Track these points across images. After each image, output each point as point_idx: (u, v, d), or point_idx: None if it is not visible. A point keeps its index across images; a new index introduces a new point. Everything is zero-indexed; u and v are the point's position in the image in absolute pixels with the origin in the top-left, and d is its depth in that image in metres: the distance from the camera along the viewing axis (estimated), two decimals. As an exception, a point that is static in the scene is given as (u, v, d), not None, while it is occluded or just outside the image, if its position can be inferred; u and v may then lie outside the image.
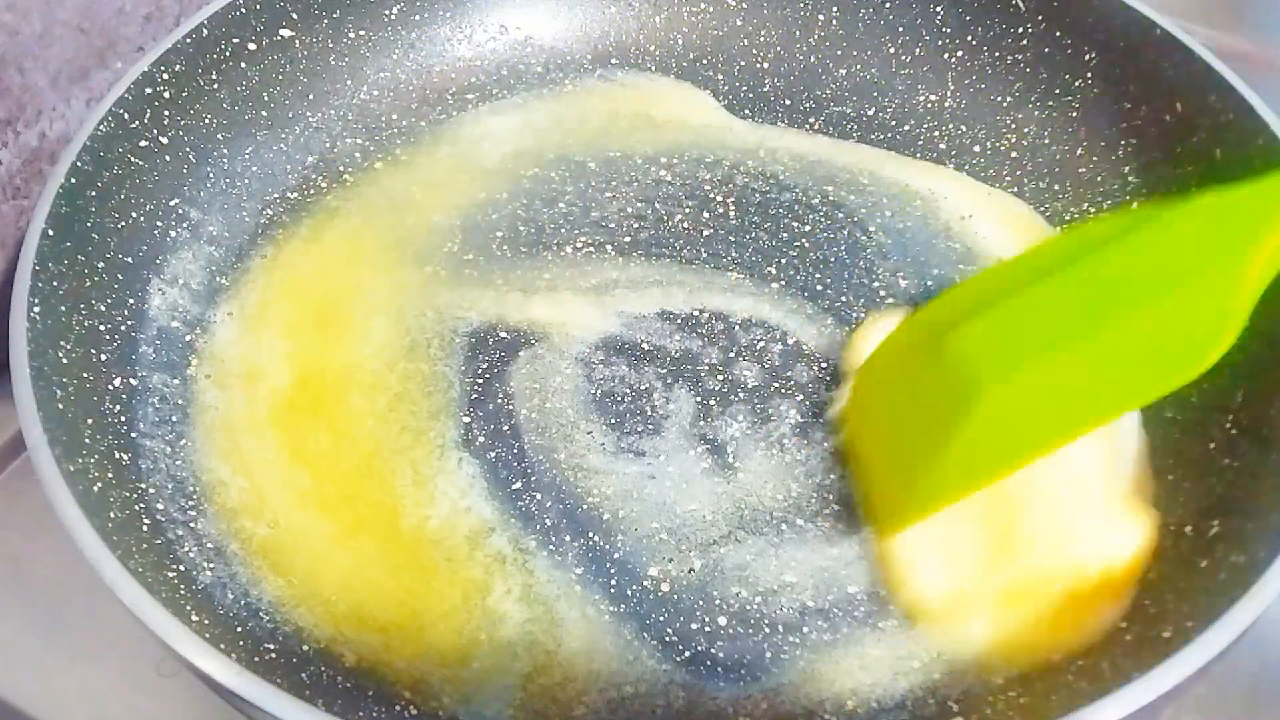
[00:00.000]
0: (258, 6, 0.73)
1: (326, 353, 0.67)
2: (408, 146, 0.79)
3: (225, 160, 0.73)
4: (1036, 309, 0.52)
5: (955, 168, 0.77)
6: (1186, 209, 0.52)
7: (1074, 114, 0.75)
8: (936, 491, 0.54)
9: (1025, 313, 0.52)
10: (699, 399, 0.65)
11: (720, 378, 0.66)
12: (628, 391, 0.65)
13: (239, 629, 0.54)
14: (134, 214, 0.66)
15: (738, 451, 0.63)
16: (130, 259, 0.65)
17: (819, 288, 0.70)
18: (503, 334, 0.68)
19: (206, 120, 0.72)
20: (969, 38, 0.79)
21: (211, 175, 0.72)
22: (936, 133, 0.79)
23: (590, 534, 0.59)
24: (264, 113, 0.76)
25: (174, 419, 0.63)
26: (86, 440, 0.55)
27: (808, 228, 0.74)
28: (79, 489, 0.50)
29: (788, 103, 0.82)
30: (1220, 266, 0.48)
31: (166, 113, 0.69)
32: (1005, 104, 0.78)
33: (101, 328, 0.62)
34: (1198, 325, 0.48)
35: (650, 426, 0.64)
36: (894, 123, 0.80)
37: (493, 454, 0.62)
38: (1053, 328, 0.51)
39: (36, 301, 0.56)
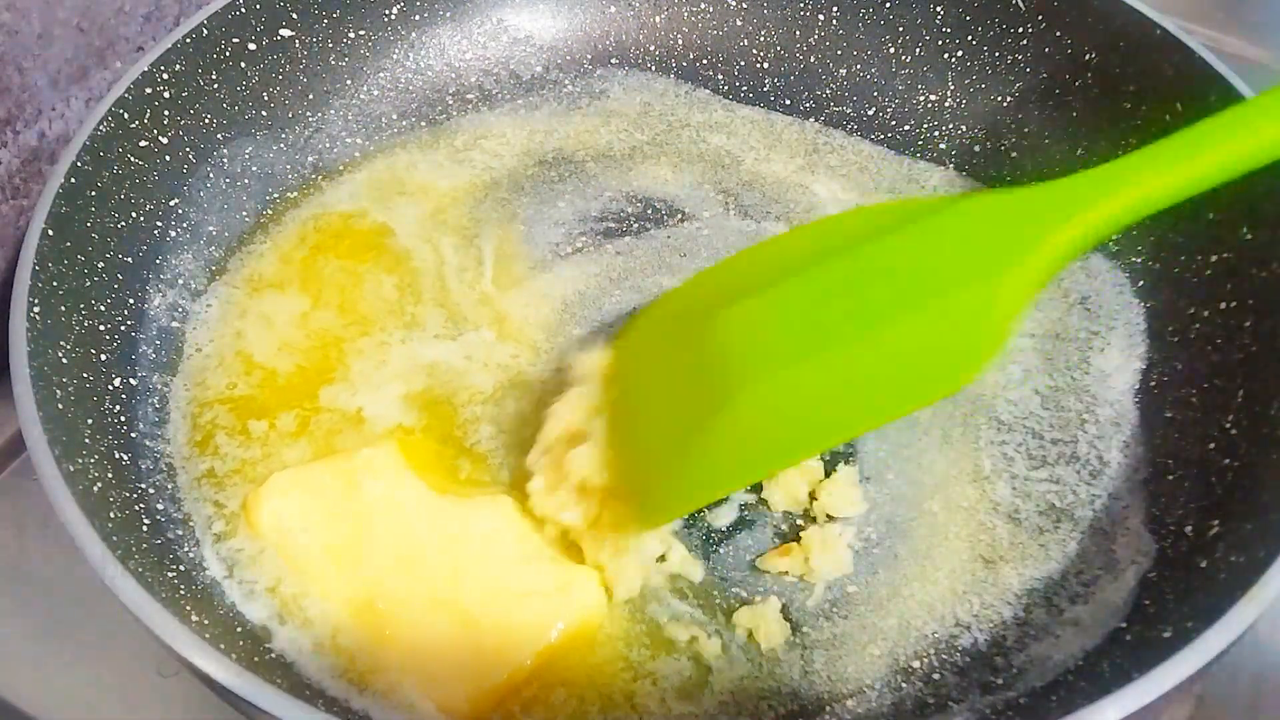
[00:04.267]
0: (258, 6, 0.73)
1: (327, 350, 0.67)
2: (408, 147, 0.79)
3: (225, 160, 0.73)
4: (803, 301, 0.48)
5: (955, 168, 0.77)
6: (958, 213, 0.50)
7: (1074, 114, 0.75)
8: (691, 489, 0.51)
9: (792, 304, 0.48)
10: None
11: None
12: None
13: (239, 629, 0.54)
14: (134, 214, 0.66)
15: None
16: (130, 259, 0.65)
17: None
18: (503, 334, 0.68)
19: (206, 120, 0.72)
20: (969, 38, 0.79)
21: (211, 175, 0.72)
22: (936, 133, 0.79)
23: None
24: (264, 113, 0.76)
25: (174, 419, 0.63)
26: (86, 440, 0.55)
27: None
28: (79, 489, 0.50)
29: (788, 102, 0.82)
30: (985, 279, 0.46)
31: (166, 113, 0.69)
32: (1005, 104, 0.78)
33: (101, 328, 0.62)
34: (963, 337, 0.45)
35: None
36: (894, 123, 0.80)
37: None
38: (817, 326, 0.47)
39: (36, 301, 0.56)
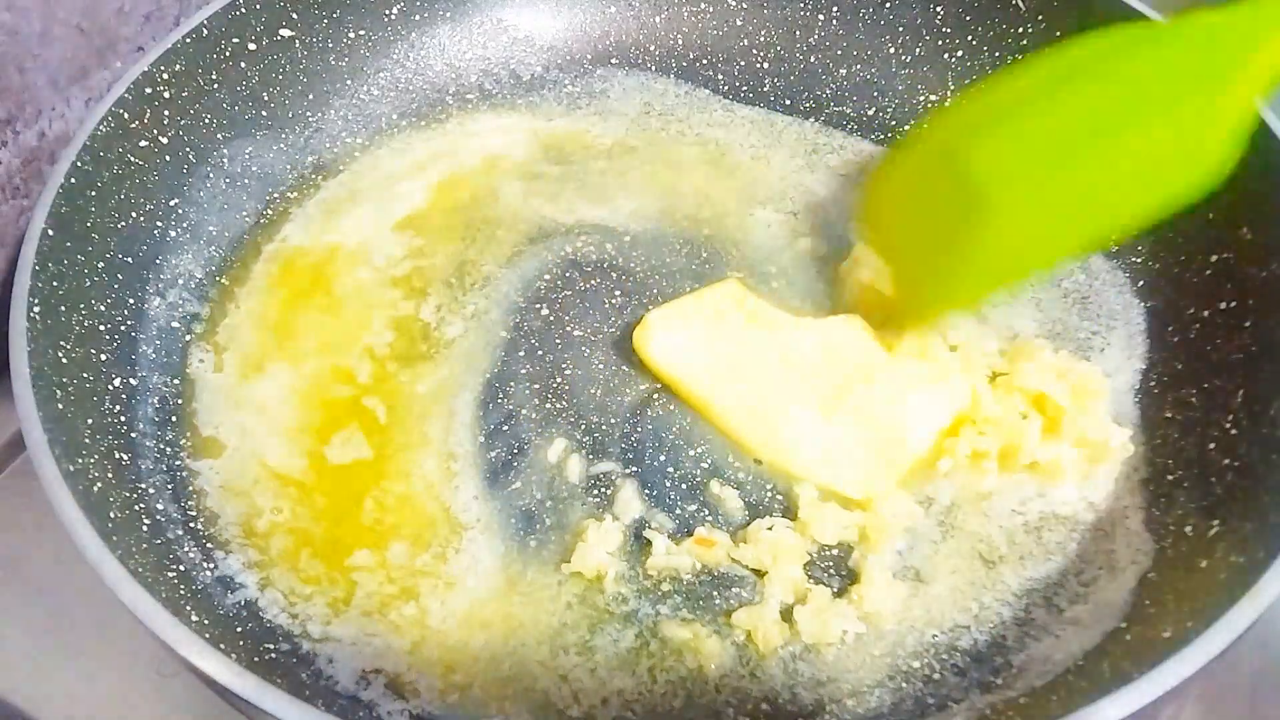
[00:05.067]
0: (258, 6, 0.73)
1: (327, 350, 0.67)
2: (407, 146, 0.79)
3: (225, 160, 0.73)
4: (1042, 124, 0.54)
5: (955, 168, 0.77)
6: (1179, 28, 0.55)
7: (1074, 114, 0.75)
8: (954, 293, 0.59)
9: (1032, 127, 0.55)
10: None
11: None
12: (626, 394, 0.66)
13: (239, 629, 0.54)
14: (134, 214, 0.66)
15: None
16: (130, 259, 0.65)
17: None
18: (503, 333, 0.68)
19: (206, 120, 0.72)
20: (969, 38, 0.79)
21: (211, 175, 0.72)
22: (936, 133, 0.79)
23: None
24: (264, 113, 0.76)
25: (174, 419, 0.63)
26: (86, 440, 0.56)
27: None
28: (79, 489, 0.50)
29: (788, 102, 0.82)
30: (1212, 84, 0.50)
31: (166, 113, 0.69)
32: (1005, 104, 0.78)
33: (101, 328, 0.62)
34: (1195, 142, 0.50)
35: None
36: (894, 123, 0.80)
37: (492, 453, 0.63)
38: (1058, 143, 0.53)
39: (36, 301, 0.56)
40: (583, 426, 0.64)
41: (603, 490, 0.61)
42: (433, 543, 0.59)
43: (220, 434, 0.63)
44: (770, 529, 0.59)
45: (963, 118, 0.60)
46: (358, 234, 0.73)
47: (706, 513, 0.61)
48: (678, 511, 0.61)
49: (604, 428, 0.64)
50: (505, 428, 0.64)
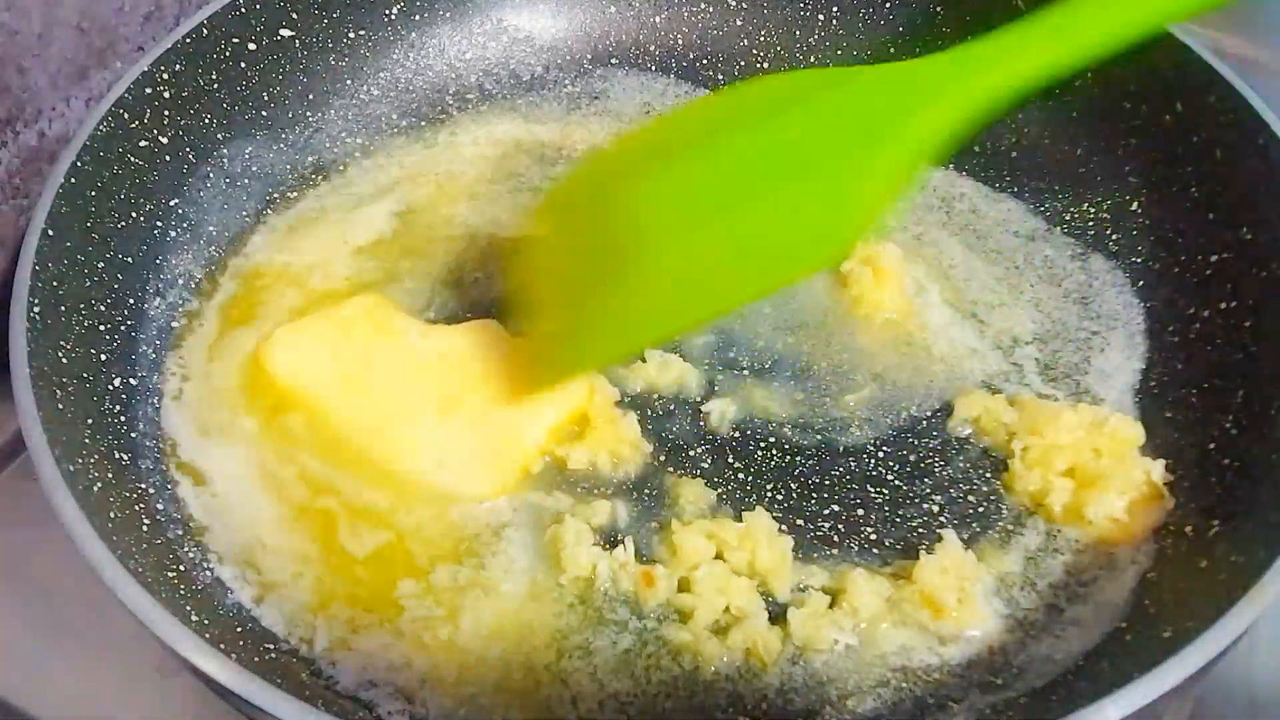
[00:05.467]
0: (258, 6, 0.73)
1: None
2: (407, 146, 0.79)
3: (225, 160, 0.73)
4: (699, 173, 0.52)
5: (955, 168, 0.77)
6: (848, 80, 0.54)
7: (1074, 114, 0.75)
8: (593, 349, 0.57)
9: (689, 176, 0.52)
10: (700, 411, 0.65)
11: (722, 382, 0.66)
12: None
13: (239, 629, 0.54)
14: (134, 214, 0.66)
15: (734, 447, 0.63)
16: (130, 259, 0.65)
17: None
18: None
19: (206, 120, 0.72)
20: (969, 38, 0.78)
21: (211, 175, 0.72)
22: (936, 133, 0.79)
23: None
24: (264, 113, 0.76)
25: (173, 419, 0.63)
26: (86, 440, 0.56)
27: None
28: (79, 489, 0.50)
29: (788, 103, 0.82)
30: (872, 141, 0.49)
31: (166, 113, 0.69)
32: (1005, 104, 0.78)
33: (101, 328, 0.62)
34: (838, 208, 0.50)
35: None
36: (894, 123, 0.80)
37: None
38: (710, 197, 0.51)
39: (36, 301, 0.56)
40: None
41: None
42: (474, 551, 0.58)
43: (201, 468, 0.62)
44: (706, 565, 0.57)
45: (625, 157, 0.57)
46: (315, 254, 0.72)
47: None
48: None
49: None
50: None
